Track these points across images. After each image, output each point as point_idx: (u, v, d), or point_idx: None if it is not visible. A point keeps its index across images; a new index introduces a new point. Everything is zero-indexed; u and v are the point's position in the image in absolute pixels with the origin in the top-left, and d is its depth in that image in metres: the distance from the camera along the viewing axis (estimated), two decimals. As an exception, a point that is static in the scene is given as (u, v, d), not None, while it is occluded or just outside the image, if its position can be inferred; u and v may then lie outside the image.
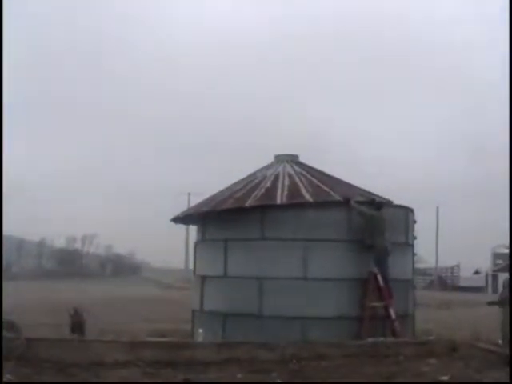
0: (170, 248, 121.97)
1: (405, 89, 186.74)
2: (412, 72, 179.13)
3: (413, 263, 16.15)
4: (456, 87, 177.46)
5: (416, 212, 16.09)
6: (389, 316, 13.73)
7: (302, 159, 16.73)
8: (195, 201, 19.58)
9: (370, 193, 15.90)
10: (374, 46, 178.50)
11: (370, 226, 14.03)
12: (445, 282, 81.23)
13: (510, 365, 9.65)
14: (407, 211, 15.62)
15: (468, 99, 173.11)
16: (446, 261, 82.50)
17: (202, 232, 16.05)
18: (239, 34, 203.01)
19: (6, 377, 9.12)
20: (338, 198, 14.38)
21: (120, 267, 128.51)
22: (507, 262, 62.42)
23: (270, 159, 16.80)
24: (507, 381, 9.50)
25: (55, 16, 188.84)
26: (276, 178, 15.34)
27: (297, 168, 15.93)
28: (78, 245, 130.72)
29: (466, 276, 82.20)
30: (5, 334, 10.65)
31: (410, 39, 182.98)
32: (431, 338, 15.21)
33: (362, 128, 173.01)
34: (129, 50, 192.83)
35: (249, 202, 14.32)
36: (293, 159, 16.50)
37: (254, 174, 16.17)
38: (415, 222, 16.09)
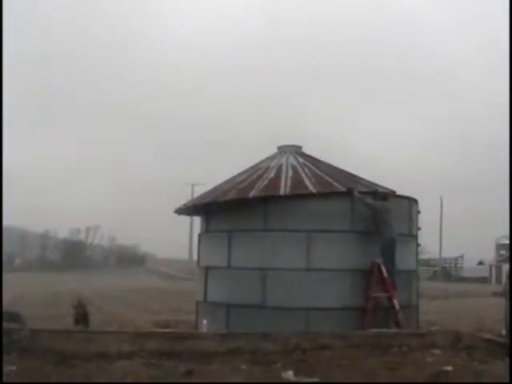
0: (174, 239, 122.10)
1: (406, 87, 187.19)
2: (413, 72, 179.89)
3: (417, 254, 16.14)
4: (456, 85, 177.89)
5: (420, 203, 16.07)
6: (393, 307, 13.72)
7: (305, 150, 16.70)
8: (199, 192, 19.59)
9: (373, 183, 15.87)
10: (374, 47, 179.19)
11: (375, 216, 14.02)
12: (449, 272, 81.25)
13: (510, 361, 9.62)
14: (411, 202, 15.59)
15: (470, 94, 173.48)
16: (450, 251, 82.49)
17: (206, 223, 16.05)
18: (243, 35, 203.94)
19: (10, 368, 9.13)
20: (341, 188, 14.36)
21: (124, 258, 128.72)
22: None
23: (274, 150, 16.77)
24: (508, 370, 9.49)
25: (55, 15, 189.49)
26: (279, 168, 15.32)
27: (300, 159, 15.90)
28: (81, 236, 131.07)
29: (469, 267, 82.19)
30: (9, 325, 10.67)
31: (410, 40, 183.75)
32: (435, 328, 15.21)
33: (367, 125, 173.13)
34: (129, 46, 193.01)
35: (252, 193, 14.30)
36: (296, 150, 16.47)
37: (257, 165, 16.15)
38: (419, 212, 16.07)
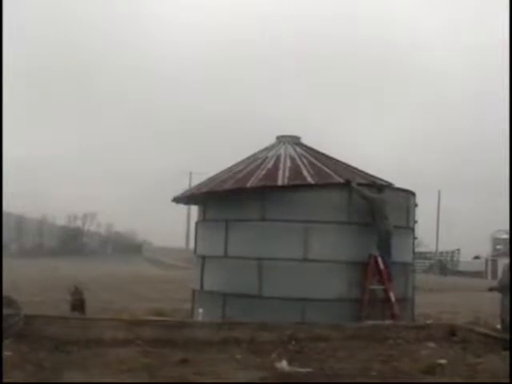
0: (172, 227, 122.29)
1: (405, 86, 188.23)
2: (411, 74, 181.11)
3: (413, 247, 16.13)
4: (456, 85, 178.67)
5: (418, 196, 16.06)
6: (388, 299, 13.74)
7: (303, 141, 16.68)
8: (197, 180, 19.57)
9: (371, 175, 15.86)
10: (371, 46, 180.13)
11: (372, 208, 14.02)
12: (445, 266, 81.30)
13: (511, 358, 9.63)
14: (409, 195, 15.58)
15: (470, 89, 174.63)
16: (447, 245, 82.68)
17: (203, 212, 16.03)
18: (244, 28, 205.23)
19: (5, 353, 9.13)
20: (339, 179, 14.34)
21: (121, 246, 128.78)
22: (507, 248, 62.50)
23: (272, 140, 16.74)
24: (503, 364, 9.52)
25: (54, 6, 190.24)
26: (278, 159, 15.29)
27: (298, 149, 15.88)
28: (79, 223, 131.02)
29: (465, 261, 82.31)
30: (4, 310, 10.66)
31: (408, 39, 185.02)
32: (430, 321, 15.24)
33: (366, 123, 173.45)
34: (129, 38, 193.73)
35: (250, 183, 14.28)
36: (295, 141, 16.43)
37: (255, 155, 16.12)
38: (416, 205, 16.06)
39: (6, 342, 9.74)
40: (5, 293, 11.21)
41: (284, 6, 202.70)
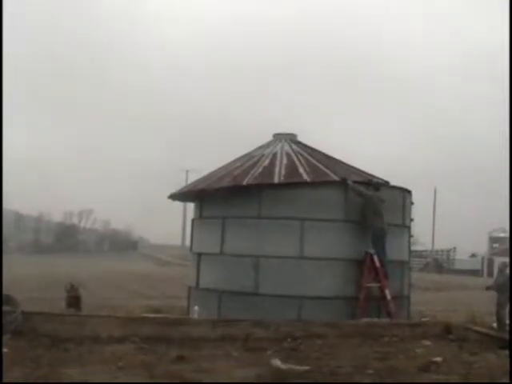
0: (168, 224, 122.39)
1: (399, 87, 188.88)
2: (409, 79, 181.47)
3: (409, 245, 16.14)
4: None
5: (414, 195, 16.08)
6: (384, 297, 13.75)
7: (300, 139, 16.68)
8: (193, 178, 19.57)
9: (367, 174, 15.87)
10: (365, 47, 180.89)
11: (368, 206, 14.03)
12: (441, 264, 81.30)
13: (510, 357, 9.65)
14: (404, 193, 15.60)
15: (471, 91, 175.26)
16: (443, 243, 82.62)
17: (200, 209, 16.03)
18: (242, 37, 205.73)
19: (3, 350, 9.15)
20: (335, 177, 14.35)
21: (117, 243, 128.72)
22: (504, 247, 62.65)
23: (269, 138, 16.73)
24: (499, 362, 9.56)
25: (54, 12, 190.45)
26: (274, 156, 15.29)
27: (295, 147, 15.88)
28: (75, 220, 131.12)
29: (462, 259, 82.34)
30: (2, 307, 10.67)
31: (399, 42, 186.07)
32: (426, 319, 15.28)
33: (360, 125, 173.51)
34: (130, 37, 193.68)
35: (246, 181, 14.28)
36: (291, 138, 16.44)
37: (252, 153, 16.11)
38: (412, 203, 16.08)
39: (4, 339, 9.75)
40: (3, 290, 11.23)
41: (285, 10, 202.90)
